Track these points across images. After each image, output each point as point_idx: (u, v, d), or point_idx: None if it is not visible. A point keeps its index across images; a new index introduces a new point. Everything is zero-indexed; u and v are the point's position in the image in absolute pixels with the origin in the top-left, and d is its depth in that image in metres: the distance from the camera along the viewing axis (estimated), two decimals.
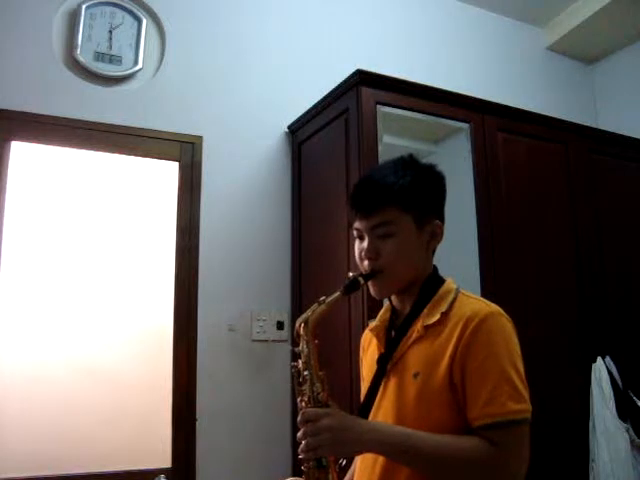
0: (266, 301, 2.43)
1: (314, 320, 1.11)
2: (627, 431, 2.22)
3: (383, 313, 1.23)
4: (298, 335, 1.11)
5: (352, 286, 1.10)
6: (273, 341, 2.41)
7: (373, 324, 1.22)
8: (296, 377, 1.10)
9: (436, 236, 1.15)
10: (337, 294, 1.11)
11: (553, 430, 2.09)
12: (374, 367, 1.15)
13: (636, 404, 2.28)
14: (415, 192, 1.11)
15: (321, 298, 1.11)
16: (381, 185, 1.11)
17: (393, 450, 0.99)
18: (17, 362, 2.62)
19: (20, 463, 2.34)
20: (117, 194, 2.93)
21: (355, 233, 1.15)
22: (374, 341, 1.21)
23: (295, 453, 2.35)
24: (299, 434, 1.00)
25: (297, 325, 1.12)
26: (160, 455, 2.23)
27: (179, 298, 2.29)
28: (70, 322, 2.80)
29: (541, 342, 2.16)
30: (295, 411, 2.37)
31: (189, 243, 2.33)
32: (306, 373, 1.08)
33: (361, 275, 1.11)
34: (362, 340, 1.32)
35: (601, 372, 2.27)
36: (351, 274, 1.11)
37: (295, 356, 1.12)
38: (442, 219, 1.17)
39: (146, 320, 2.88)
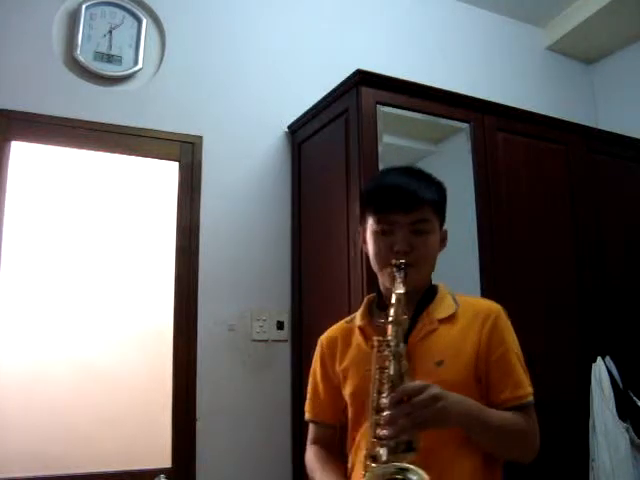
0: (266, 301, 2.43)
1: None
2: (627, 431, 2.22)
3: (363, 312, 1.26)
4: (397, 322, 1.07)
5: (401, 271, 1.12)
6: (273, 341, 2.41)
7: (359, 323, 1.24)
8: (377, 348, 1.06)
9: (444, 242, 1.25)
10: (401, 290, 1.09)
11: (553, 430, 2.08)
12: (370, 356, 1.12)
13: (636, 404, 2.28)
14: (442, 198, 1.23)
15: (403, 316, 1.08)
16: (424, 185, 1.20)
17: (473, 422, 1.05)
18: (17, 362, 2.62)
19: (20, 463, 2.33)
20: (117, 194, 2.92)
21: (379, 227, 1.18)
22: (355, 340, 1.23)
23: (294, 453, 2.34)
24: (395, 412, 0.95)
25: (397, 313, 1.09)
26: (160, 455, 2.22)
27: (179, 298, 2.29)
28: (70, 322, 2.79)
29: (541, 342, 2.16)
30: (295, 411, 2.37)
31: (189, 243, 2.33)
32: (387, 352, 1.04)
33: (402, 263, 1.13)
34: (324, 347, 1.30)
35: (601, 372, 2.27)
36: (394, 261, 1.13)
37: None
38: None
39: (146, 320, 2.87)
